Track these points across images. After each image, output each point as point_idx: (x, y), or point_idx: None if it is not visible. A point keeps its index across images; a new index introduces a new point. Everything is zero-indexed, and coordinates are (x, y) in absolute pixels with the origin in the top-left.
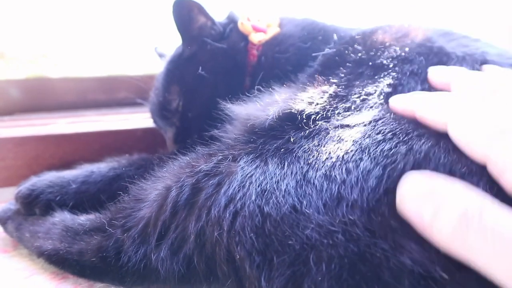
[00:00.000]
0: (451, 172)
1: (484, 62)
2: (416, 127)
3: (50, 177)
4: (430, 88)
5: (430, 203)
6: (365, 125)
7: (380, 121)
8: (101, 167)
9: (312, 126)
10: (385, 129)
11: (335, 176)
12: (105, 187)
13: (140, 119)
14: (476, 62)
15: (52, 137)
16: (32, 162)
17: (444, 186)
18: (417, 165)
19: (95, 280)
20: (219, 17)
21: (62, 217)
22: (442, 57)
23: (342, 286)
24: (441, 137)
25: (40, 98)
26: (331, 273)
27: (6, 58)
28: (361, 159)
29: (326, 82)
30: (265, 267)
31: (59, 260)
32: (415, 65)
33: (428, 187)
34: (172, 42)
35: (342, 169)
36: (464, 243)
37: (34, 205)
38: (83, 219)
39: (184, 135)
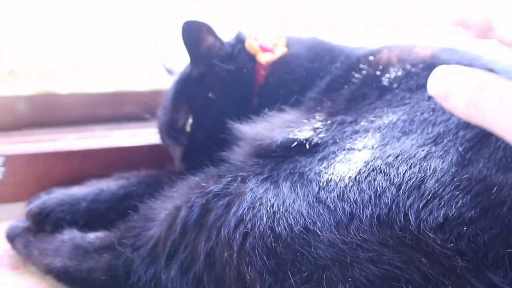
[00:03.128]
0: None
1: (491, 70)
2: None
3: (60, 195)
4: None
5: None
6: (374, 148)
7: (388, 146)
8: (110, 185)
9: (320, 151)
10: (393, 152)
11: (345, 194)
12: (114, 205)
13: (147, 134)
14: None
15: (61, 153)
16: (42, 178)
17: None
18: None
19: None
20: (227, 36)
21: (71, 235)
22: None
23: None
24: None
25: (48, 113)
26: None
27: (14, 74)
28: (375, 179)
29: (332, 107)
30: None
31: (68, 278)
32: (422, 79)
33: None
34: (179, 58)
35: (354, 189)
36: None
37: (45, 223)
38: (93, 237)
39: (192, 155)
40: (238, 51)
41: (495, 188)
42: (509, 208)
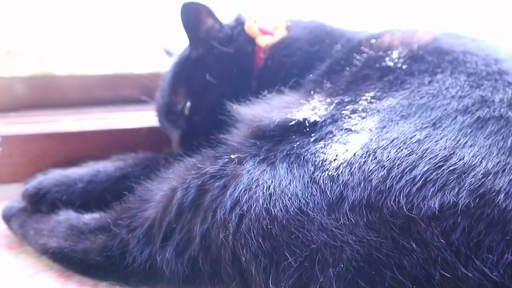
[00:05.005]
0: None
1: (496, 58)
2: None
3: (57, 175)
4: (443, 82)
5: None
6: (371, 131)
7: (385, 129)
8: (107, 167)
9: (317, 131)
10: (390, 136)
11: (338, 176)
12: (111, 186)
13: (145, 117)
14: (489, 57)
15: (58, 134)
16: (38, 159)
17: None
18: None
19: (100, 279)
20: (227, 19)
21: (67, 216)
22: (454, 54)
23: None
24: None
25: (46, 95)
26: (337, 277)
27: (12, 55)
28: (365, 162)
29: (332, 88)
30: (272, 270)
31: (63, 258)
32: (425, 63)
33: None
34: (179, 40)
35: (346, 171)
36: None
37: (41, 204)
38: (88, 218)
39: (190, 138)
40: (237, 33)
41: (492, 174)
42: (506, 195)
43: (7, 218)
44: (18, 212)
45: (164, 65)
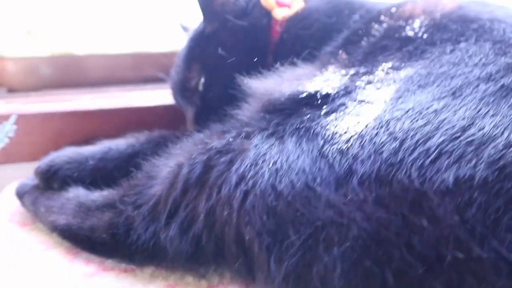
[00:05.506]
0: None
1: None
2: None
3: (69, 153)
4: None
5: None
6: (385, 102)
7: (400, 99)
8: (119, 144)
9: (329, 103)
10: (405, 106)
11: (347, 149)
12: (121, 163)
13: (162, 95)
14: None
15: (76, 113)
16: (56, 137)
17: None
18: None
19: (106, 257)
20: None
21: (76, 193)
22: (480, 22)
23: (355, 269)
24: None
25: (66, 74)
26: (342, 256)
27: (33, 35)
28: (377, 134)
29: (348, 59)
30: (275, 249)
31: (71, 236)
32: (449, 32)
33: None
34: (196, 16)
35: (356, 143)
36: None
37: (53, 181)
38: (96, 195)
39: (204, 115)
40: (252, 6)
41: None
42: None
43: (20, 195)
44: (31, 189)
45: (181, 43)
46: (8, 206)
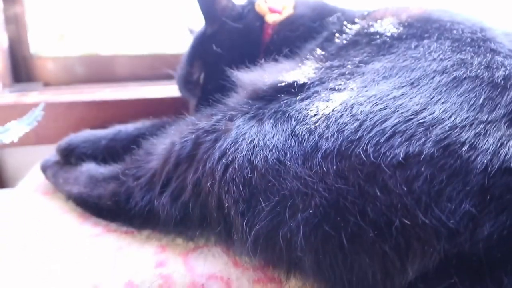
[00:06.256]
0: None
1: (482, 27)
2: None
3: (85, 134)
4: (428, 47)
5: None
6: (352, 90)
7: (366, 88)
8: (128, 127)
9: (305, 91)
10: (369, 94)
11: (315, 128)
12: (128, 143)
13: (171, 90)
14: (476, 26)
15: (96, 103)
16: (79, 123)
17: None
18: (385, 120)
19: (110, 220)
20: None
21: (88, 167)
22: (442, 22)
23: (315, 233)
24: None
25: (93, 72)
26: (305, 221)
27: (65, 38)
28: (342, 116)
29: (323, 55)
30: (248, 214)
31: (83, 202)
32: (414, 29)
33: None
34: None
35: (323, 124)
36: None
37: (70, 157)
38: (104, 169)
39: (204, 104)
40: (248, 11)
41: (458, 128)
42: (470, 147)
43: (44, 169)
44: (52, 164)
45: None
46: (36, 179)
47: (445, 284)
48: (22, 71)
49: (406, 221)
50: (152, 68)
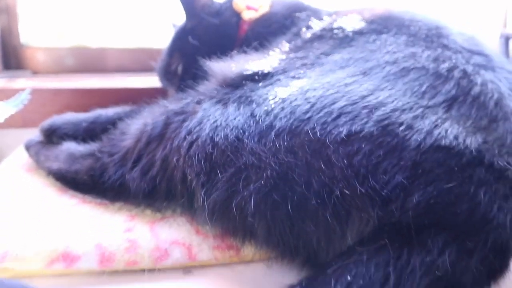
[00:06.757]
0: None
1: (439, 25)
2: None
3: (68, 116)
4: (385, 41)
5: None
6: (310, 77)
7: (322, 76)
8: (108, 111)
9: (268, 79)
10: (324, 81)
11: (271, 110)
12: (108, 126)
13: (154, 81)
14: (433, 24)
15: (81, 90)
16: (64, 109)
17: None
18: (333, 103)
19: (85, 193)
20: None
21: (68, 146)
22: (401, 20)
23: (265, 201)
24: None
25: (81, 62)
26: (256, 191)
27: (56, 29)
28: (296, 99)
29: (289, 47)
30: (207, 185)
31: (61, 177)
32: (374, 24)
33: None
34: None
35: (279, 106)
36: None
37: (52, 137)
38: (82, 147)
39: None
40: (225, 8)
41: (399, 111)
42: (407, 127)
43: (27, 147)
44: (35, 143)
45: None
46: (20, 157)
47: (377, 245)
48: (12, 60)
49: (346, 191)
50: (139, 61)
